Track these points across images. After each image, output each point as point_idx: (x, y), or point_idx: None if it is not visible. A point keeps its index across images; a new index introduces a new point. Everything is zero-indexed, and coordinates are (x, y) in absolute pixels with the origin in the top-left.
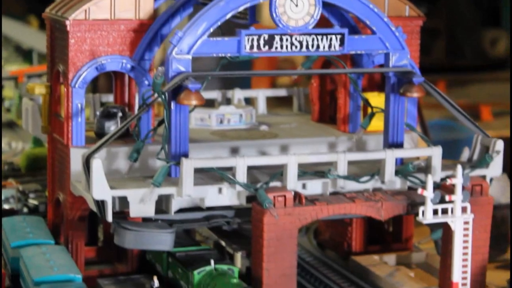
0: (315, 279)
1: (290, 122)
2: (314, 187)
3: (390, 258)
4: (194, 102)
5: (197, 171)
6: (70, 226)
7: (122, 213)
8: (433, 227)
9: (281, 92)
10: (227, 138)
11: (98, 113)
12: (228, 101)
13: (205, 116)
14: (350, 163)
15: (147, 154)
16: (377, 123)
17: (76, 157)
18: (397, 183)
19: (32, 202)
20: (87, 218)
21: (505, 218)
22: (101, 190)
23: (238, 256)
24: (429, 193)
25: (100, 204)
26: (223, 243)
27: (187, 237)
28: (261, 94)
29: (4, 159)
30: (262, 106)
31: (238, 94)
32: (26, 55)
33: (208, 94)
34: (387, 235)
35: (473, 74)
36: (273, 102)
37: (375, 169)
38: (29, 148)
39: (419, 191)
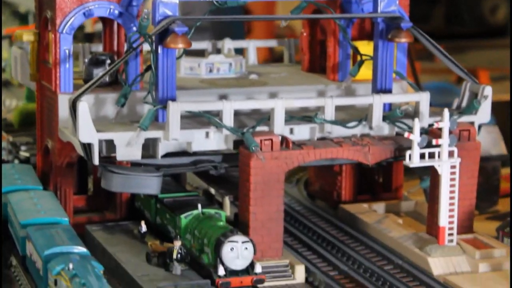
0: (304, 226)
1: (280, 72)
2: (302, 132)
3: (379, 207)
4: (180, 45)
5: (185, 117)
6: (58, 173)
7: (109, 158)
8: (422, 175)
9: (272, 43)
10: (216, 86)
11: (86, 60)
12: (218, 52)
13: (195, 65)
14: (338, 109)
15: (135, 101)
16: (366, 71)
17: (64, 103)
18: (385, 129)
19: (23, 154)
20: (75, 165)
21: (496, 169)
22: (87, 133)
23: (227, 202)
24: (415, 136)
25: (87, 147)
26: (211, 190)
27: (176, 185)
28: (251, 45)
29: None
30: (252, 57)
31: (228, 44)
32: (22, 18)
33: (199, 45)
34: (377, 185)
35: (472, 41)
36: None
37: (363, 115)
38: (22, 104)
39: (406, 134)
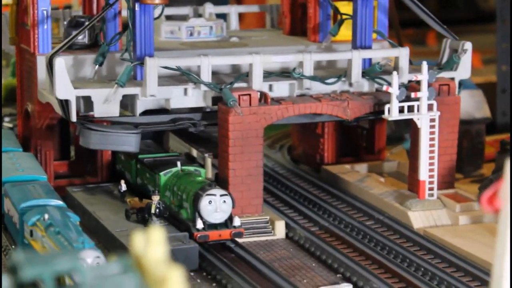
0: (286, 187)
1: (262, 36)
2: (281, 89)
3: (362, 167)
4: (157, 1)
5: (164, 77)
6: (38, 136)
7: (88, 118)
8: (404, 134)
9: (254, 9)
10: (197, 48)
11: (65, 23)
12: (199, 16)
13: (175, 29)
14: (318, 68)
15: (114, 62)
16: (347, 32)
17: (43, 64)
18: (365, 86)
19: (7, 125)
20: (56, 128)
21: (480, 133)
22: (64, 89)
23: (208, 163)
24: (394, 89)
25: (64, 104)
26: (193, 152)
27: (157, 147)
28: (233, 10)
29: None
30: (234, 22)
31: (209, 9)
32: None
33: (180, 10)
34: (360, 148)
35: (465, 26)
36: None
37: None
38: (8, 79)
39: (384, 87)
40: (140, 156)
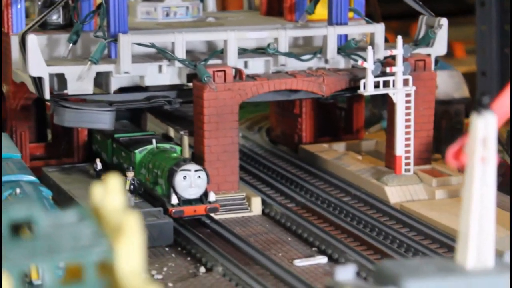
0: (263, 166)
1: (238, 16)
2: (256, 65)
3: (340, 146)
4: None
5: (138, 55)
6: (13, 116)
7: (62, 96)
8: (381, 111)
9: None
10: (172, 27)
11: (40, 3)
12: None
13: (151, 10)
14: (295, 46)
15: (89, 41)
16: (323, 11)
17: (17, 44)
18: (341, 63)
19: None
20: (31, 108)
21: (458, 113)
22: (37, 66)
23: (185, 142)
24: (369, 64)
25: (38, 82)
26: (170, 132)
27: (133, 127)
28: None
29: None
30: (211, 4)
31: None
32: None
33: None
34: (338, 128)
35: (449, 18)
36: None
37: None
38: None
39: (360, 62)
40: (116, 136)
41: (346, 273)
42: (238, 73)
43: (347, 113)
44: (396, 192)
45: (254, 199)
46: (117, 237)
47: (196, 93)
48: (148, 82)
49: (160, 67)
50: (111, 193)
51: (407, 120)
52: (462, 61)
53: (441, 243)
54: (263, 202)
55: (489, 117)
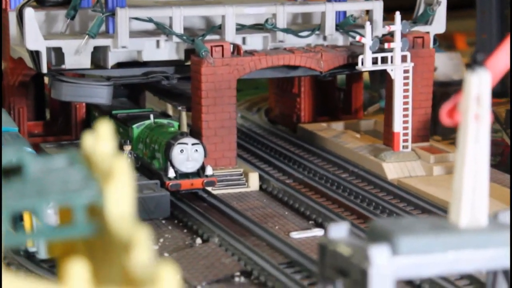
0: (262, 144)
1: None
2: (254, 41)
3: (338, 125)
4: None
5: (136, 31)
6: (12, 92)
7: (59, 70)
8: (381, 90)
9: None
10: (170, 4)
11: None
12: None
13: None
14: (294, 24)
15: (87, 17)
16: None
17: (14, 20)
18: (339, 40)
19: None
20: (30, 85)
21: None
22: (34, 40)
23: (183, 118)
24: (367, 40)
25: (35, 55)
26: (168, 109)
27: (132, 104)
28: None
29: None
30: None
31: None
32: None
33: None
34: (337, 108)
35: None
36: None
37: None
38: None
39: (358, 37)
40: (114, 112)
41: (339, 230)
42: (236, 48)
43: (346, 94)
44: (394, 169)
45: (252, 174)
46: (107, 181)
47: (194, 68)
48: (145, 57)
49: (158, 42)
50: (101, 139)
51: (405, 97)
52: (464, 52)
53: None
54: (261, 178)
55: (483, 75)
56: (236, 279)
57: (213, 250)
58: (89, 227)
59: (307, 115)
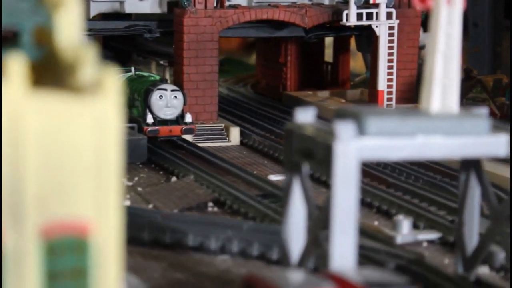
0: (245, 109)
1: None
2: None
3: (324, 93)
4: None
5: None
6: None
7: None
8: (365, 53)
9: None
10: None
11: None
12: None
13: None
14: None
15: None
16: None
17: None
18: (325, 1)
19: None
20: None
21: None
22: None
23: (166, 70)
24: None
25: None
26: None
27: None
28: None
29: None
30: None
31: None
32: None
33: None
34: (324, 81)
35: None
36: None
37: None
38: None
39: None
40: None
41: (305, 115)
42: (220, 1)
43: (333, 67)
44: None
45: (233, 129)
46: (56, 8)
47: (176, 20)
48: (128, 9)
49: None
50: None
51: (390, 54)
52: None
53: (419, 165)
54: (242, 134)
55: None
56: (209, 208)
57: (188, 184)
58: (36, 51)
59: (293, 85)
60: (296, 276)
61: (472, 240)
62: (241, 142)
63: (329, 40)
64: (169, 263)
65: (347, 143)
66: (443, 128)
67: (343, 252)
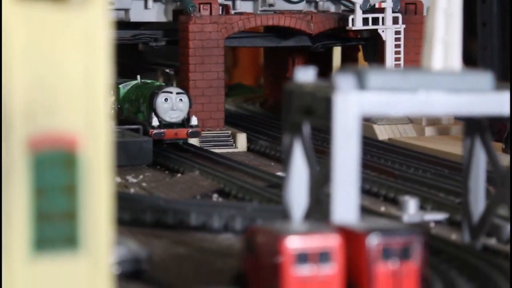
0: (253, 120)
1: None
2: (244, 6)
3: None
4: None
5: None
6: None
7: None
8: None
9: None
10: None
11: None
12: None
13: None
14: None
15: None
16: None
17: None
18: (331, 9)
19: None
20: None
21: None
22: None
23: (172, 77)
24: None
25: None
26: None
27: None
28: None
29: None
30: None
31: None
32: None
33: None
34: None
35: None
36: None
37: None
38: None
39: None
40: None
41: (306, 74)
42: (225, 8)
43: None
44: (385, 130)
45: (240, 135)
46: None
47: (181, 27)
48: (133, 17)
49: (146, 2)
50: None
51: (397, 59)
52: None
53: (427, 161)
54: (249, 140)
55: None
56: (214, 199)
57: (192, 177)
58: None
59: None
60: (299, 225)
61: (478, 207)
62: (248, 148)
63: (337, 52)
64: (172, 241)
65: (347, 95)
66: (445, 84)
67: (345, 206)
